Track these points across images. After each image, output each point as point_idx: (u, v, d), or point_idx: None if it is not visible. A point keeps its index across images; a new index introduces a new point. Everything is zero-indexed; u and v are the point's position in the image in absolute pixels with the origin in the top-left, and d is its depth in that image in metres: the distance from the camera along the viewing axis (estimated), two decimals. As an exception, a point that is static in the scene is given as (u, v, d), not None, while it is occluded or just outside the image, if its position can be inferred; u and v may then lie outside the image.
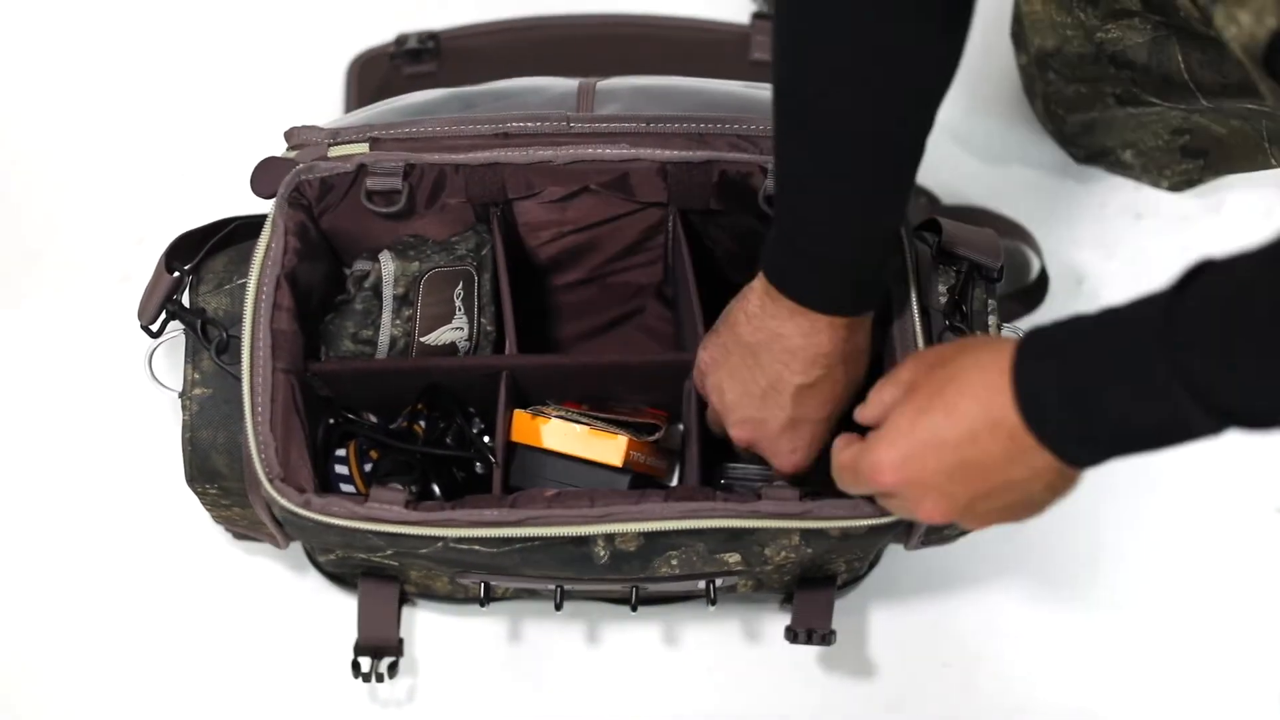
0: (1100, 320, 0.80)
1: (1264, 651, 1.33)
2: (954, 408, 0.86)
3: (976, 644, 1.32)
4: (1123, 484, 1.36)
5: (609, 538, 1.04)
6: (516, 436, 1.15)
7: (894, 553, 1.29)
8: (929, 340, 1.10)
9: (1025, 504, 0.88)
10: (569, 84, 1.20)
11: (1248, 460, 1.37)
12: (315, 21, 1.55)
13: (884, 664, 1.32)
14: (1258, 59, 0.85)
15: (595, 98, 1.18)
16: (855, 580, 1.29)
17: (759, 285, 1.01)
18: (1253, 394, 0.72)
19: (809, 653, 1.31)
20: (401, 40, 1.50)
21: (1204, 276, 0.75)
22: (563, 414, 1.15)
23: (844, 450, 0.97)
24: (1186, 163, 1.40)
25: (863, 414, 0.96)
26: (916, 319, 1.08)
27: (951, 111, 1.45)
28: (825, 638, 1.18)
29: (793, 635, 1.19)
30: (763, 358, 1.02)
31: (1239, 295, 0.72)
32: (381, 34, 1.51)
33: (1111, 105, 1.33)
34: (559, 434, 1.14)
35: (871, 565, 1.30)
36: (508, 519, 1.03)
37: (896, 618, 1.33)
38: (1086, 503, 1.36)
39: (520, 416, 1.15)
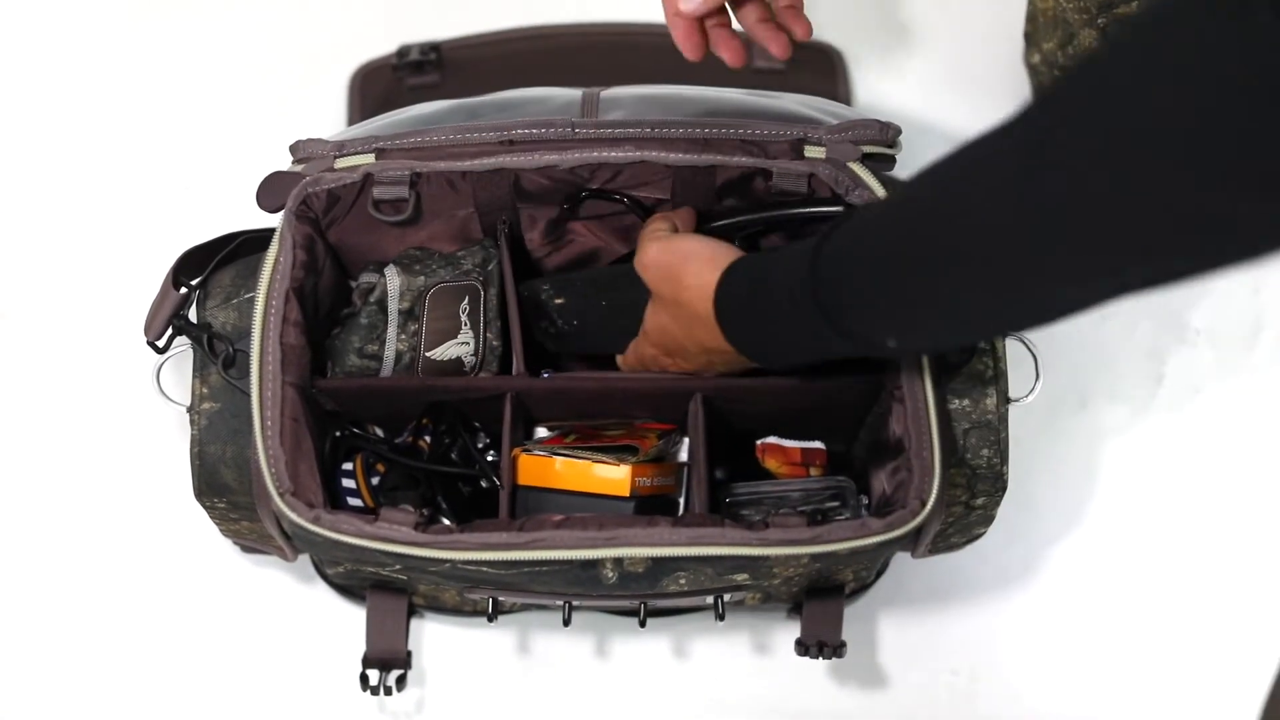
0: (776, 261, 0.95)
1: (1268, 664, 1.33)
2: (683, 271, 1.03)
3: (985, 652, 1.32)
4: (1131, 492, 1.37)
5: (617, 560, 1.04)
6: (523, 480, 1.14)
7: (902, 561, 1.29)
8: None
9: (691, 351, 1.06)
10: (573, 93, 1.20)
11: (1254, 471, 1.37)
12: (317, 33, 1.54)
13: (893, 672, 1.32)
14: None
15: (599, 106, 1.18)
16: (863, 589, 1.28)
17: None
18: (869, 323, 0.89)
19: (817, 663, 1.30)
20: (404, 52, 1.50)
21: (843, 224, 0.89)
22: (564, 453, 1.13)
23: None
24: None
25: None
26: None
27: (957, 117, 1.46)
28: (836, 650, 1.16)
29: (803, 649, 1.17)
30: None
31: (860, 242, 0.87)
32: (383, 45, 1.51)
33: None
34: (562, 472, 1.13)
35: (879, 574, 1.29)
36: (516, 542, 1.02)
37: (905, 626, 1.33)
38: (1094, 511, 1.37)
39: (525, 461, 1.14)
